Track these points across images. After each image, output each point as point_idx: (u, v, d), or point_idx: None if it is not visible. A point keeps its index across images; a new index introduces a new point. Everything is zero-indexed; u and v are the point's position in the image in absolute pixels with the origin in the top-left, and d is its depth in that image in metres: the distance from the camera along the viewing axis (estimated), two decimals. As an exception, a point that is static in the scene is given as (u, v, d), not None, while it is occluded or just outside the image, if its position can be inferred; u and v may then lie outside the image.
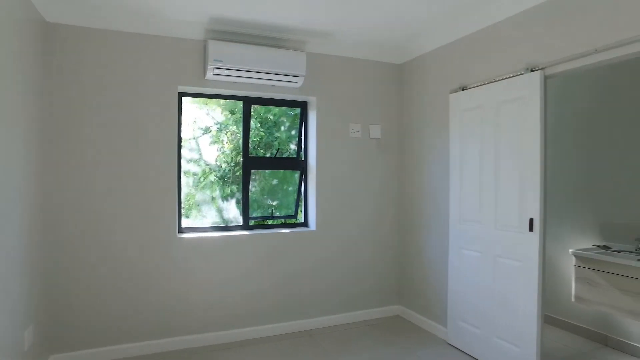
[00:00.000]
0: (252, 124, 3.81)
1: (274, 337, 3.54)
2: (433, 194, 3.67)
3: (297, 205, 4.01)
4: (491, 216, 3.01)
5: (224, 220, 3.84)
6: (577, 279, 3.20)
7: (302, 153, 3.96)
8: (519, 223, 2.77)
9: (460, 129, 3.29)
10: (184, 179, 3.58)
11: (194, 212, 3.79)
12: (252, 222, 3.78)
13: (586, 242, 3.48)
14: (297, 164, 3.95)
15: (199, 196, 3.81)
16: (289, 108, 3.97)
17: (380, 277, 4.06)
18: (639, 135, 3.19)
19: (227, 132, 3.87)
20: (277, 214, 4.00)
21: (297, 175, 3.99)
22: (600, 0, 2.34)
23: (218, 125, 3.84)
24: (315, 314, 3.78)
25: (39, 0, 2.70)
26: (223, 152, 3.85)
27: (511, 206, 2.84)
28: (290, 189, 4.06)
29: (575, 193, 3.64)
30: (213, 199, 3.86)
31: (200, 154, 3.79)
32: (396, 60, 4.07)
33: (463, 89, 3.28)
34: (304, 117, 3.94)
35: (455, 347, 3.32)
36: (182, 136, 3.46)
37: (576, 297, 3.23)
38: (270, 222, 3.99)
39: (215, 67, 3.21)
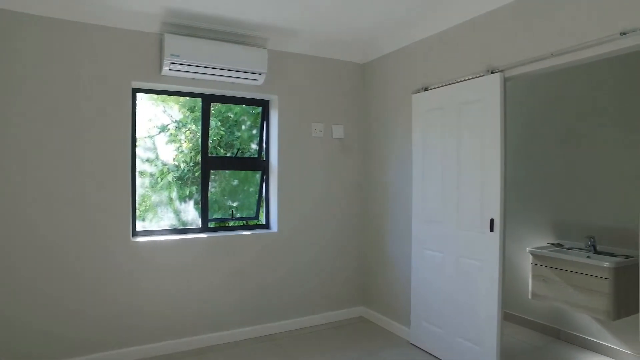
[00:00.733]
0: (212, 122, 3.67)
1: (235, 343, 3.42)
2: (396, 195, 3.67)
3: (258, 207, 3.91)
4: (453, 216, 3.04)
5: (182, 222, 3.68)
6: (534, 276, 3.30)
7: (264, 153, 3.86)
8: (481, 223, 2.80)
9: (423, 130, 3.31)
10: (138, 179, 3.40)
11: (150, 214, 3.60)
12: (212, 224, 3.65)
13: (542, 241, 3.60)
14: (259, 164, 3.84)
15: (155, 197, 3.63)
16: (250, 107, 3.86)
17: (343, 279, 4.03)
18: (588, 136, 3.33)
19: (185, 131, 3.71)
20: (238, 215, 3.88)
21: (258, 175, 3.88)
22: (558, 6, 2.40)
23: (176, 124, 3.68)
24: (278, 317, 3.69)
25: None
26: (181, 152, 3.69)
27: (473, 206, 2.87)
28: (251, 189, 3.94)
29: (531, 193, 3.75)
30: (171, 200, 3.68)
31: (157, 154, 3.60)
32: (360, 59, 4.05)
33: (425, 90, 3.30)
34: (265, 116, 3.84)
35: (418, 348, 3.34)
36: (136, 134, 3.27)
37: (533, 294, 3.33)
38: (231, 223, 3.86)
39: (172, 62, 3.06)
